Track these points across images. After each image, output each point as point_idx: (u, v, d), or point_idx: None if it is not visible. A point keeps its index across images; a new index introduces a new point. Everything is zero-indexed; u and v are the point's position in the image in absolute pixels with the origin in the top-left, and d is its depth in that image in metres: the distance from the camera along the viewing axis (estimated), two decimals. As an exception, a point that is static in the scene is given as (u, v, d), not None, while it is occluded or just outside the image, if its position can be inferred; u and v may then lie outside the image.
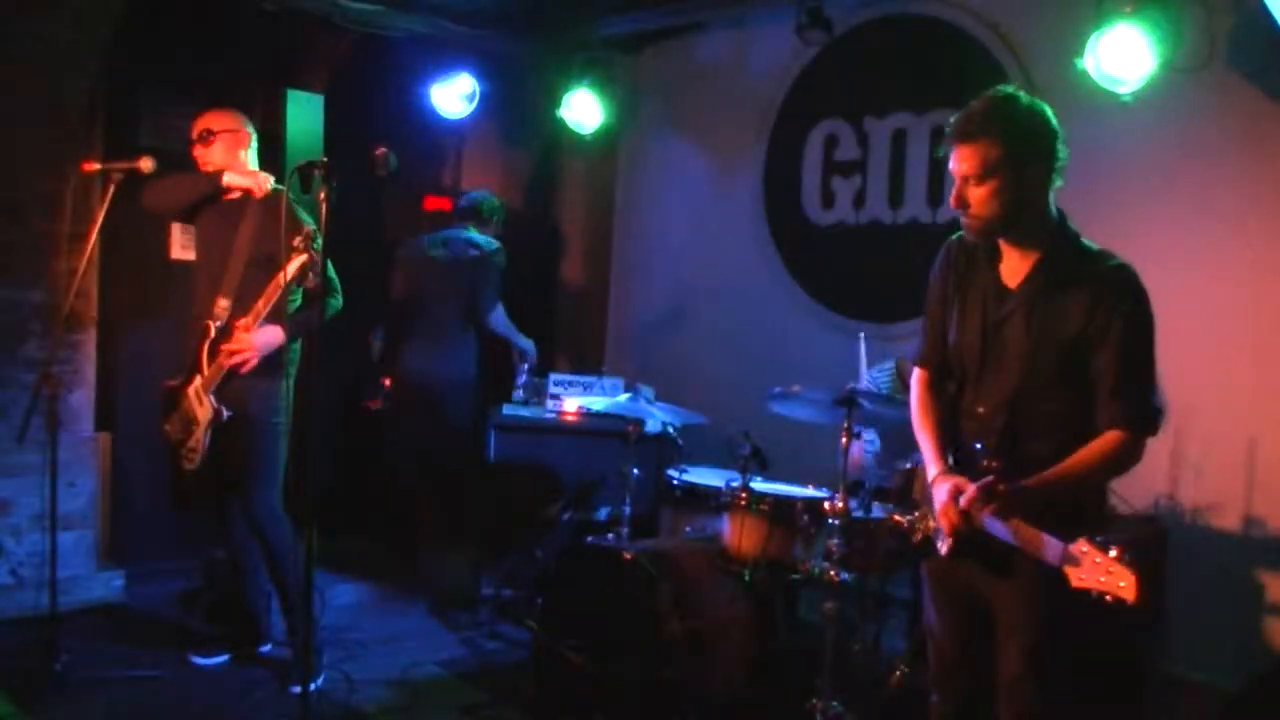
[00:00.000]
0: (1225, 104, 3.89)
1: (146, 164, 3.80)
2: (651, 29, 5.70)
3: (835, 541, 3.41)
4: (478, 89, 5.49)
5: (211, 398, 3.84)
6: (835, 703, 3.44)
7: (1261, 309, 3.84)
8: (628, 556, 3.67)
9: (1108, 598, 2.13)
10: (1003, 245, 2.52)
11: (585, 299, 6.48)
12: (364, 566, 5.35)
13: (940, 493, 2.48)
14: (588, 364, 6.08)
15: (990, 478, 2.32)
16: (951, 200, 2.47)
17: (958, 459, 2.54)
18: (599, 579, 3.74)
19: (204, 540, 4.69)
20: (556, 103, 5.50)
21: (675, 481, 4.09)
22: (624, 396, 4.42)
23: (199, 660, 4.09)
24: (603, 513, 4.48)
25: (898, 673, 3.76)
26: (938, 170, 4.76)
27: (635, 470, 4.16)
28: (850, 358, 4.26)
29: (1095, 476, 2.44)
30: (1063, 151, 2.43)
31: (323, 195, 3.11)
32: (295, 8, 4.94)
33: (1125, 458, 2.38)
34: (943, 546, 2.52)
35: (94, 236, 3.91)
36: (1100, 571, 2.14)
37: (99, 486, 4.82)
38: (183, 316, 4.11)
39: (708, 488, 3.95)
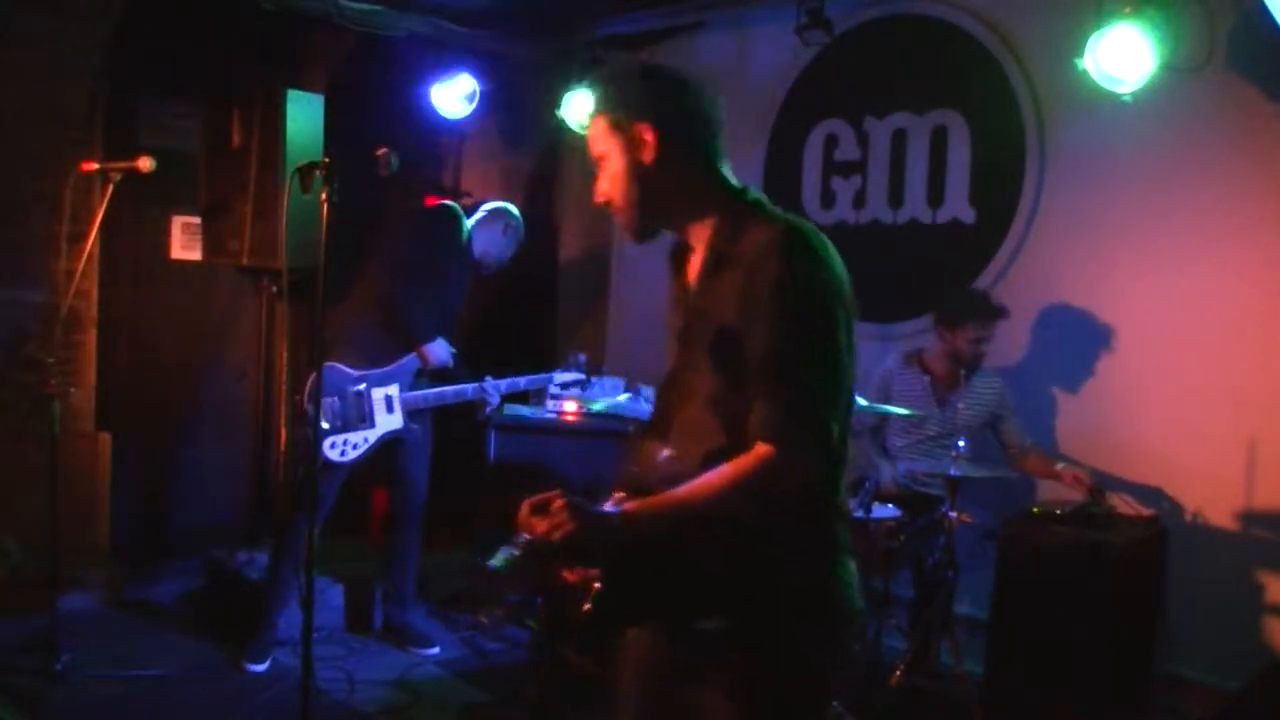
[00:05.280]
0: (1225, 104, 3.89)
1: (145, 164, 3.79)
2: (651, 29, 5.70)
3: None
4: (478, 89, 5.48)
5: None
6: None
7: (1262, 308, 3.84)
8: (628, 556, 3.66)
9: None
10: (690, 239, 1.92)
11: (585, 299, 6.47)
12: (363, 566, 5.34)
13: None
14: (588, 364, 6.07)
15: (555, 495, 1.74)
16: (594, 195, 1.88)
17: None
18: (599, 579, 3.73)
19: (204, 540, 4.68)
20: (556, 103, 5.49)
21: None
22: (624, 396, 4.42)
23: (253, 668, 4.02)
24: (603, 513, 4.48)
25: (898, 673, 3.76)
26: (938, 170, 4.77)
27: (635, 470, 4.14)
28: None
29: (718, 503, 1.72)
30: (708, 104, 1.87)
31: (324, 195, 3.11)
32: (295, 8, 4.94)
33: (764, 478, 1.69)
34: None
35: (94, 236, 3.91)
36: None
37: (99, 486, 4.82)
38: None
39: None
